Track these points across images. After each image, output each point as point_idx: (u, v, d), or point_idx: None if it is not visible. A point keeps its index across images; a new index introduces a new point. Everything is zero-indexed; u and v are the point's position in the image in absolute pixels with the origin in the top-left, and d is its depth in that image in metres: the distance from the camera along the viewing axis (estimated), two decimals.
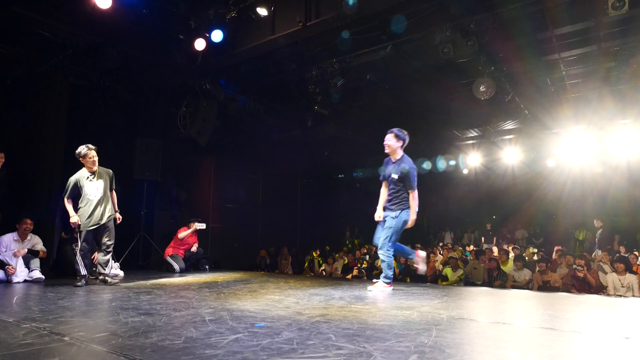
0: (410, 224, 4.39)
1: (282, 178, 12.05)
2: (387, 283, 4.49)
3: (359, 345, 2.20)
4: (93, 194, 4.85)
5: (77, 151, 4.88)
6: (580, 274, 6.32)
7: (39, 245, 5.59)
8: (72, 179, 4.87)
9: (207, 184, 9.87)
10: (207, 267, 7.30)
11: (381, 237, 4.44)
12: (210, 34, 6.55)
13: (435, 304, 3.67)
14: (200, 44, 6.58)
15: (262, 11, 6.31)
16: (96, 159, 4.92)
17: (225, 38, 6.61)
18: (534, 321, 3.15)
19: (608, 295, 5.89)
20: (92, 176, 4.90)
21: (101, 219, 4.86)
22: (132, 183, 7.34)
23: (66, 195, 4.84)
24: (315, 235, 12.36)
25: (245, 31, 6.73)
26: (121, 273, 5.67)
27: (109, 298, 3.88)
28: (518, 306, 3.97)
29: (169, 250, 6.99)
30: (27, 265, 5.34)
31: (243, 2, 6.37)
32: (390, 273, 4.48)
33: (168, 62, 7.08)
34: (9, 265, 5.12)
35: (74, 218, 4.76)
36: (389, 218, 4.43)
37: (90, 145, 4.89)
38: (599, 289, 6.24)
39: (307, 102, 8.70)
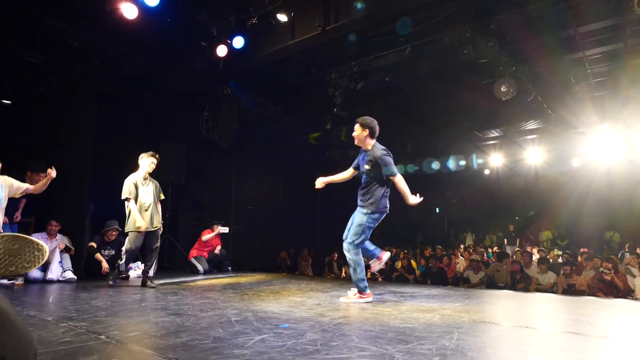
0: (413, 202, 3.91)
1: (301, 179, 12.10)
2: (362, 292, 3.92)
3: (381, 347, 2.25)
4: (144, 198, 4.98)
5: (143, 153, 5.07)
6: (608, 277, 6.18)
7: (69, 245, 5.88)
8: (131, 179, 4.95)
9: (228, 186, 10.06)
10: (229, 268, 7.45)
11: (349, 234, 3.95)
12: (231, 41, 6.71)
13: (457, 306, 3.68)
14: (221, 50, 6.74)
15: (282, 17, 6.41)
16: (153, 167, 5.06)
17: (246, 44, 6.76)
18: (558, 325, 3.13)
19: (636, 299, 5.73)
20: (145, 181, 5.05)
21: (151, 224, 4.96)
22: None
23: (130, 195, 4.87)
24: (335, 236, 12.41)
25: (265, 37, 6.85)
26: None
27: (138, 298, 4.04)
28: (541, 310, 3.93)
29: (193, 252, 7.19)
30: (61, 264, 5.60)
31: (263, 9, 6.48)
32: (360, 278, 3.90)
33: (191, 68, 7.28)
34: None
35: (139, 222, 4.81)
36: (359, 213, 3.95)
37: (155, 154, 5.08)
38: (627, 292, 6.08)
39: (326, 104, 8.76)
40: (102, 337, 2.45)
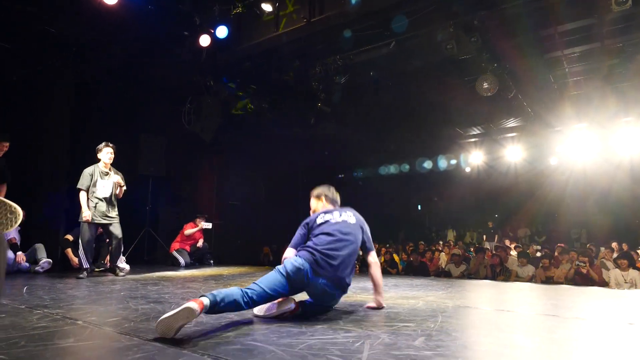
0: None
1: (284, 175, 12.07)
2: None
3: (367, 329, 2.25)
4: (101, 192, 4.91)
5: (97, 147, 5.01)
6: (584, 270, 6.35)
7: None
8: (88, 170, 4.91)
9: (210, 181, 9.91)
10: (211, 261, 7.35)
11: None
12: (214, 30, 6.60)
13: (440, 294, 3.71)
14: (204, 40, 6.62)
15: (267, 7, 6.34)
16: (111, 156, 5.01)
17: (230, 34, 6.66)
18: (537, 309, 3.19)
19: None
20: (106, 175, 4.99)
21: (106, 217, 4.91)
22: (137, 179, 7.38)
23: (82, 186, 4.82)
24: None
25: (249, 27, 6.77)
26: (127, 267, 5.70)
27: (117, 288, 3.93)
28: (521, 296, 4.01)
29: (175, 245, 7.06)
30: (35, 258, 5.41)
31: None
32: None
33: (172, 59, 7.13)
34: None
35: (85, 213, 4.77)
36: None
37: (110, 143, 5.02)
38: (602, 284, 6.26)
39: (310, 99, 8.72)
40: (79, 322, 2.37)
